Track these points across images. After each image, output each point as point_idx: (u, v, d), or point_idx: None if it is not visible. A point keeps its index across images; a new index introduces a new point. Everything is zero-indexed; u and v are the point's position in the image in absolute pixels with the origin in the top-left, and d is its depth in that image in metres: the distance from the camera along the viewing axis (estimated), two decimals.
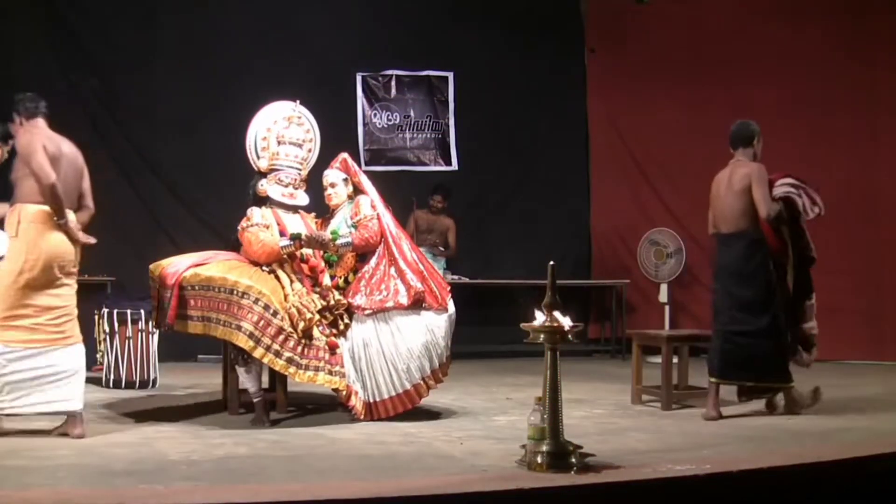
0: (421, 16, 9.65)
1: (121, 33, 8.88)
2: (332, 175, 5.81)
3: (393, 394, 5.43)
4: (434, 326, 5.44)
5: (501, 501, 3.54)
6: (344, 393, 5.41)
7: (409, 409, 5.46)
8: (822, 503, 3.99)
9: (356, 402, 5.41)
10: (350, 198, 5.81)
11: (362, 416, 5.41)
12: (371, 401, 5.44)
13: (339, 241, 5.59)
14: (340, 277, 5.68)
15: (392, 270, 5.51)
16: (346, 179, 5.80)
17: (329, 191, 5.81)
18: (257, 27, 9.12)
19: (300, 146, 5.85)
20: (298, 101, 5.88)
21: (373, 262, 5.57)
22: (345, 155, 5.91)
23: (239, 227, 5.68)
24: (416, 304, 5.41)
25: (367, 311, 5.42)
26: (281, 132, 5.79)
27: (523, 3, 9.93)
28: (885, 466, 4.21)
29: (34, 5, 8.69)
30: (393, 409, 5.43)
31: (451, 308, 5.53)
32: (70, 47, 8.77)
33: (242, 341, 5.19)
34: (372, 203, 5.69)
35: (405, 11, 9.57)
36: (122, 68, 8.86)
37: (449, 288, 5.62)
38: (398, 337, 5.42)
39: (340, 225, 5.72)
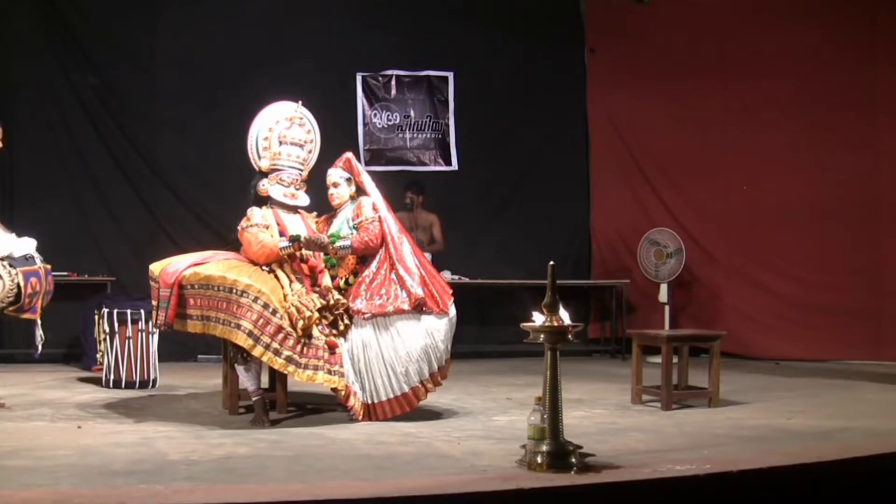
0: (421, 16, 9.65)
1: (121, 33, 8.89)
2: (335, 174, 5.79)
3: (391, 396, 5.42)
4: (434, 330, 5.42)
5: (501, 501, 3.54)
6: (343, 393, 5.41)
7: (407, 411, 5.45)
8: (822, 503, 3.98)
9: (355, 403, 5.41)
10: (352, 198, 5.79)
11: (360, 417, 5.41)
12: (369, 402, 5.44)
13: (337, 244, 5.57)
14: (341, 279, 5.67)
15: (393, 275, 5.49)
16: (349, 179, 5.77)
17: (331, 190, 5.80)
18: (257, 27, 9.12)
19: (301, 146, 5.83)
20: (301, 102, 5.87)
21: (374, 266, 5.55)
22: (349, 154, 5.88)
23: (239, 227, 5.67)
24: (417, 309, 5.40)
25: (366, 316, 5.42)
26: (283, 132, 5.77)
27: (523, 2, 9.93)
28: (885, 466, 4.20)
29: (34, 5, 8.69)
30: (391, 411, 5.42)
31: (453, 311, 5.51)
32: (70, 47, 8.78)
33: (241, 340, 5.19)
34: (374, 205, 5.65)
35: (405, 11, 9.57)
36: (122, 68, 8.87)
37: (451, 291, 5.60)
38: (397, 340, 5.40)
39: (342, 225, 5.70)
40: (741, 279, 9.52)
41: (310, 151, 5.90)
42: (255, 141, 5.79)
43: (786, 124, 9.32)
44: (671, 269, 9.18)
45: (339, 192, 5.77)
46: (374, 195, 5.72)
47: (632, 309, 9.75)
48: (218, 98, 8.75)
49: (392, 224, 5.62)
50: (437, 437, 4.98)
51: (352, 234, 5.61)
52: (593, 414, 5.85)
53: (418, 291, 5.38)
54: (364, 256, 5.61)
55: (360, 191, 5.79)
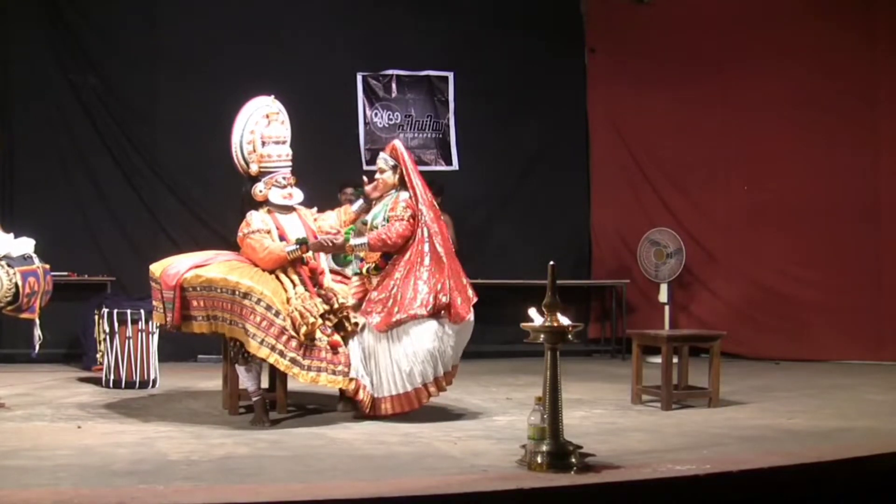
0: (421, 16, 9.64)
1: (121, 33, 8.89)
2: (381, 159, 5.74)
3: (394, 393, 5.42)
4: (444, 335, 5.43)
5: (501, 501, 3.54)
6: (352, 388, 5.41)
7: (408, 411, 5.45)
8: (822, 503, 3.98)
9: (364, 397, 5.43)
10: (395, 187, 5.67)
11: (368, 410, 5.41)
12: (375, 396, 5.45)
13: (353, 242, 5.54)
14: (367, 265, 5.62)
15: (422, 274, 5.42)
16: (394, 167, 5.67)
17: (377, 175, 5.74)
18: (257, 27, 9.12)
19: (284, 143, 5.79)
20: (273, 96, 5.86)
21: (401, 269, 5.48)
22: (395, 142, 5.83)
23: (239, 234, 5.63)
24: (435, 313, 5.39)
25: (382, 329, 5.38)
26: (263, 132, 5.73)
27: (523, 2, 9.93)
28: (885, 466, 4.20)
29: (34, 5, 8.69)
30: (392, 408, 5.42)
31: (470, 318, 5.49)
32: (70, 47, 8.77)
33: (248, 343, 5.19)
34: (409, 203, 5.57)
35: (405, 11, 9.57)
36: (122, 68, 8.87)
37: (475, 300, 5.55)
38: (405, 340, 5.39)
39: (378, 213, 5.65)
40: (741, 279, 9.52)
41: (289, 146, 5.85)
42: (240, 146, 5.74)
43: (786, 124, 9.32)
44: (671, 269, 9.17)
45: (384, 177, 5.69)
46: (416, 189, 5.60)
47: (632, 309, 9.75)
48: (218, 98, 8.69)
49: (428, 223, 5.52)
50: (437, 437, 4.98)
51: (384, 224, 5.55)
52: (593, 414, 5.84)
53: (442, 299, 5.36)
54: (389, 256, 5.55)
55: (403, 180, 5.67)
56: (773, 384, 7.35)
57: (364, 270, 5.65)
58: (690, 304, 9.64)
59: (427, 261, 5.45)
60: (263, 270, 5.47)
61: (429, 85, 9.84)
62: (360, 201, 5.78)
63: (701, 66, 9.62)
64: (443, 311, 5.39)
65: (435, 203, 5.69)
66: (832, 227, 9.18)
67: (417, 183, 5.61)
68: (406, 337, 5.38)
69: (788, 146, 9.33)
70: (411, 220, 5.51)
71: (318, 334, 5.31)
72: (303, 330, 5.20)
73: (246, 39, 9.05)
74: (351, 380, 5.39)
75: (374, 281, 5.56)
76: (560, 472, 3.90)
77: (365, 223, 5.67)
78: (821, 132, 9.21)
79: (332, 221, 5.84)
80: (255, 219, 5.62)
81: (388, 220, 5.55)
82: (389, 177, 5.68)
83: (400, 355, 5.39)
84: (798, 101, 9.24)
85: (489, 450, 4.60)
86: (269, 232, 5.58)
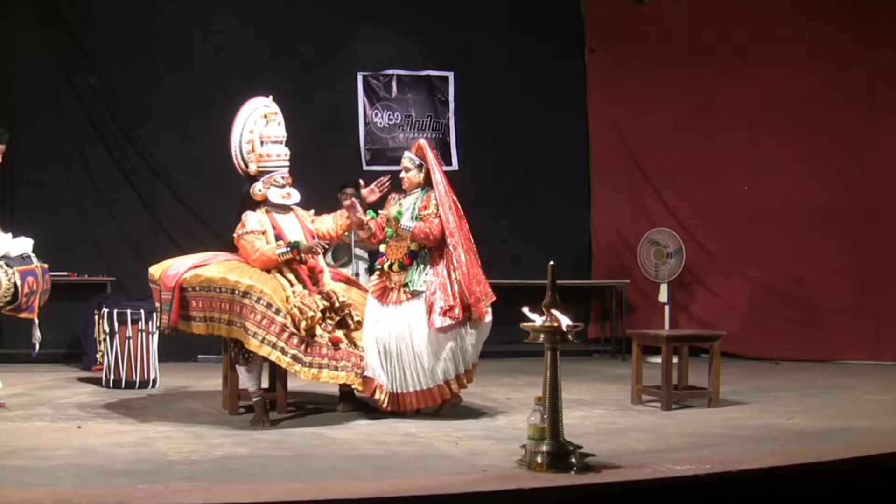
0: (421, 16, 9.65)
1: (121, 33, 8.89)
2: (406, 158, 5.77)
3: (418, 389, 5.49)
4: (466, 333, 5.50)
5: (501, 501, 3.54)
6: (368, 389, 5.45)
7: (431, 406, 5.54)
8: (822, 503, 3.98)
9: (380, 396, 5.47)
10: (422, 186, 5.72)
11: (387, 407, 5.46)
12: (397, 392, 5.49)
13: (402, 224, 5.58)
14: (391, 261, 5.63)
15: (455, 275, 5.49)
16: (420, 165, 5.72)
17: (402, 173, 5.78)
18: (258, 26, 9.13)
19: (282, 143, 5.80)
20: (272, 97, 5.88)
21: (430, 273, 5.55)
22: (422, 140, 5.85)
23: (235, 234, 5.65)
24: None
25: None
26: (262, 132, 5.76)
27: (523, 2, 9.93)
28: (885, 466, 4.20)
29: (34, 5, 8.69)
30: (416, 403, 5.51)
31: (489, 318, 5.55)
32: (70, 47, 8.78)
33: (249, 342, 5.19)
34: (438, 203, 5.60)
35: (405, 11, 9.57)
36: (122, 67, 8.87)
37: (493, 300, 5.59)
38: (428, 337, 5.44)
39: (407, 210, 5.68)
40: (741, 279, 9.52)
41: (287, 146, 5.86)
42: (239, 146, 5.76)
43: (786, 124, 9.32)
44: (671, 269, 9.17)
45: (410, 176, 5.74)
46: (439, 189, 5.63)
47: (632, 309, 9.75)
48: (218, 98, 8.68)
49: (453, 227, 5.56)
50: (437, 437, 4.98)
51: (415, 222, 5.60)
52: (593, 414, 5.85)
53: (467, 300, 5.42)
54: (415, 253, 5.60)
55: (430, 178, 5.71)
56: (773, 384, 7.35)
57: (386, 266, 5.66)
58: (690, 304, 9.64)
59: (455, 262, 5.51)
60: (261, 270, 5.49)
61: (429, 85, 9.84)
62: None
63: (701, 66, 9.62)
64: (467, 314, 5.46)
65: (457, 202, 5.72)
66: (832, 227, 9.18)
67: (441, 180, 5.64)
68: (428, 335, 5.44)
69: (788, 146, 9.33)
70: (441, 221, 5.57)
71: (319, 331, 5.33)
72: (303, 325, 5.22)
73: (246, 39, 9.05)
74: (366, 379, 5.42)
75: (395, 278, 5.59)
76: (560, 472, 3.90)
77: (399, 213, 5.67)
78: (821, 132, 9.21)
79: (328, 225, 5.86)
80: (251, 219, 5.63)
81: (418, 219, 5.60)
82: (415, 175, 5.73)
83: (423, 352, 5.45)
84: (798, 101, 9.24)
85: (489, 450, 4.60)
86: (264, 232, 5.59)
